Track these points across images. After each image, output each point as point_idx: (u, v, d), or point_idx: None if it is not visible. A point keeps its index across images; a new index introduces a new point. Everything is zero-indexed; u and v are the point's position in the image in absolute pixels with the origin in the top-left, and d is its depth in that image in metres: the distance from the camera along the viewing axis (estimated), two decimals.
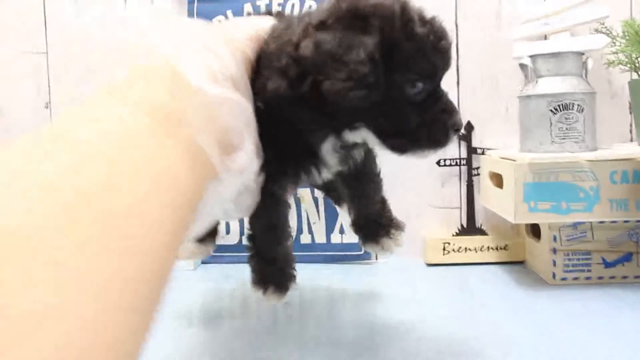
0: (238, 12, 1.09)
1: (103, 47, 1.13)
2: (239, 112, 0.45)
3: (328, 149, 0.59)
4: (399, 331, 0.75)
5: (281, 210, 0.64)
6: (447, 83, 1.08)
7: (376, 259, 1.11)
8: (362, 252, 1.09)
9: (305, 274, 1.00)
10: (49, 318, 0.24)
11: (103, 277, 0.27)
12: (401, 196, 1.06)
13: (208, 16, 1.09)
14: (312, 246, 1.10)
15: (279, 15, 0.63)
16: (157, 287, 0.31)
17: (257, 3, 1.08)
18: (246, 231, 0.65)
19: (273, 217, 0.63)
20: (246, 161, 0.46)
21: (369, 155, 0.68)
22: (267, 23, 0.57)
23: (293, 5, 1.07)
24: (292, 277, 0.68)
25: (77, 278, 0.26)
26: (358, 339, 0.73)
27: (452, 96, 1.09)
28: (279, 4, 1.07)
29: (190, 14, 1.11)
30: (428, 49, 0.52)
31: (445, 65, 0.56)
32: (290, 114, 0.54)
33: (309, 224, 1.10)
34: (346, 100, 0.49)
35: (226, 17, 1.09)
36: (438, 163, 1.10)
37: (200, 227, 0.51)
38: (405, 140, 0.55)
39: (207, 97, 0.40)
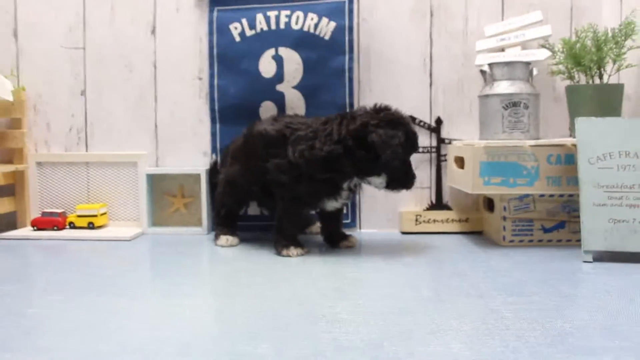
0: (251, 21, 1.30)
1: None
2: None
3: (345, 187, 1.11)
4: (374, 280, 0.98)
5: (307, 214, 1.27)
6: (422, 85, 1.33)
7: (359, 228, 1.35)
8: (349, 221, 1.32)
9: (304, 237, 1.25)
10: None
11: None
12: None
13: (225, 23, 1.31)
14: None
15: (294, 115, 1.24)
16: None
17: (268, 14, 1.30)
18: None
19: (303, 218, 1.25)
20: None
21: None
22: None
23: (298, 18, 1.29)
24: (302, 244, 1.15)
25: None
26: (342, 285, 0.96)
27: (425, 96, 1.35)
28: (286, 15, 1.29)
29: (210, 21, 1.33)
30: (415, 140, 1.11)
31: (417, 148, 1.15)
32: (336, 164, 1.06)
33: None
34: (391, 165, 1.04)
35: (241, 24, 1.30)
36: None
37: None
38: (396, 184, 1.10)
39: None
